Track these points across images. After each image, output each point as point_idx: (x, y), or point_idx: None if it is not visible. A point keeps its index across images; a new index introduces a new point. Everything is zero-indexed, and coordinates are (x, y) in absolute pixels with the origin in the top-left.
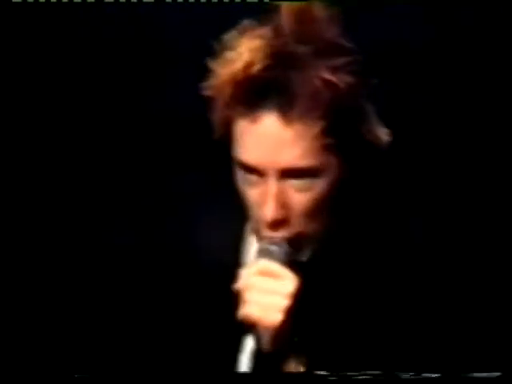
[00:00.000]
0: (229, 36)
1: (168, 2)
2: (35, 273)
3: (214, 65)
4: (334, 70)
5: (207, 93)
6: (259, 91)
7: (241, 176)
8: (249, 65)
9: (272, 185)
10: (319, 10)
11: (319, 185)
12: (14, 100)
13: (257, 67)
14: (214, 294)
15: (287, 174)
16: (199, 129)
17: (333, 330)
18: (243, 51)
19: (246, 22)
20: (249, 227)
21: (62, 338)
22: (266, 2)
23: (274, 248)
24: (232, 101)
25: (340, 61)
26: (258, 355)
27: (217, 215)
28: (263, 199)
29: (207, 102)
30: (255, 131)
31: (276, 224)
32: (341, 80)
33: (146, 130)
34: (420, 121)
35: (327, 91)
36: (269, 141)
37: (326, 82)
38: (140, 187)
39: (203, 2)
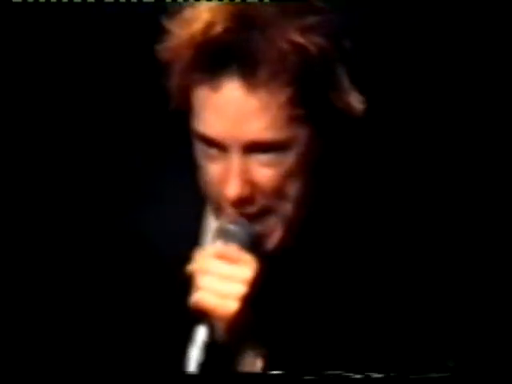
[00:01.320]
0: None
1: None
2: None
3: (170, 25)
4: (303, 30)
5: (162, 56)
6: (220, 56)
7: (200, 150)
8: (209, 26)
9: (235, 160)
10: None
11: (287, 159)
12: (14, 100)
13: (217, 29)
14: (166, 278)
15: (252, 147)
16: (154, 98)
17: (295, 323)
18: (203, 10)
19: None
20: (209, 206)
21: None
22: None
23: (234, 228)
24: (190, 66)
25: (309, 21)
26: (210, 348)
27: (174, 193)
28: (225, 175)
29: (162, 67)
30: (216, 100)
31: (240, 202)
32: (310, 42)
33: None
34: (398, 86)
35: (295, 54)
36: (231, 111)
37: (294, 44)
38: (89, 162)
39: None
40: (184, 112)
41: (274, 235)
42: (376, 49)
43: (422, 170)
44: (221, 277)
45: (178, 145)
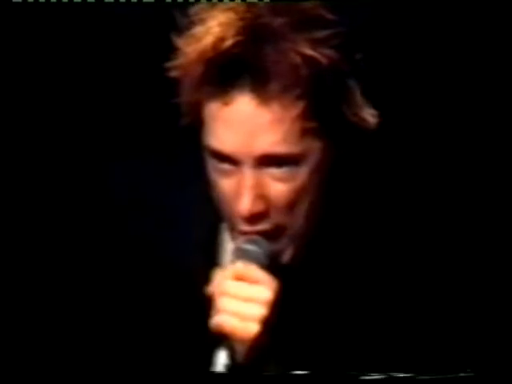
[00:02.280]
0: (196, 9)
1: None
2: None
3: (180, 42)
4: (314, 43)
5: (173, 74)
6: (231, 69)
7: (212, 165)
8: (219, 40)
9: (248, 174)
10: None
11: (300, 173)
12: (14, 100)
13: (228, 43)
14: (185, 299)
15: (265, 161)
16: (168, 115)
17: (315, 343)
18: (213, 26)
19: None
20: (224, 225)
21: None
22: None
23: (251, 247)
24: (201, 81)
25: (321, 34)
26: (231, 370)
27: (189, 210)
28: (238, 191)
29: (174, 85)
30: (227, 114)
31: (253, 218)
32: (322, 55)
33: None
34: (410, 100)
35: (306, 67)
36: (243, 125)
37: (305, 57)
38: (104, 177)
39: None
40: (196, 127)
41: (287, 252)
42: (388, 62)
43: (435, 186)
44: (241, 299)
45: (192, 159)
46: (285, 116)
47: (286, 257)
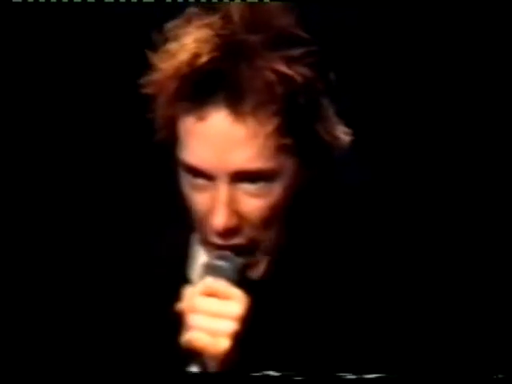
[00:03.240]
0: (171, 25)
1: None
2: None
3: (154, 58)
4: (289, 61)
5: (147, 90)
6: (206, 85)
7: (186, 180)
8: (194, 56)
9: (222, 190)
10: None
11: (274, 190)
12: (14, 100)
13: (203, 59)
14: (155, 314)
15: (239, 177)
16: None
17: (286, 357)
18: (188, 42)
19: (190, 10)
20: (195, 237)
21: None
22: None
23: (221, 263)
24: (176, 97)
25: (295, 51)
26: None
27: (158, 224)
28: (212, 206)
29: (147, 101)
30: (202, 130)
31: (227, 233)
32: (296, 72)
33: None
34: (384, 119)
35: (281, 85)
36: (218, 140)
37: (280, 75)
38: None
39: None
40: (169, 143)
41: (260, 266)
42: (361, 82)
43: (407, 205)
44: (211, 314)
45: (165, 173)
46: (259, 132)
47: (259, 271)
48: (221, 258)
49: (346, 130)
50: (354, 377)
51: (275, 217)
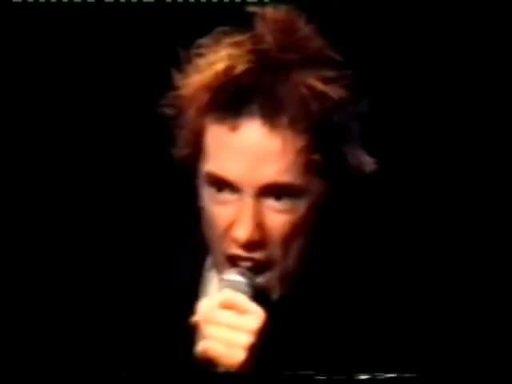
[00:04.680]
0: (198, 44)
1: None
2: None
3: (181, 76)
4: (325, 80)
5: (172, 105)
6: (241, 96)
7: (209, 194)
8: (230, 67)
9: (249, 202)
10: (301, 20)
11: (300, 207)
12: (14, 100)
13: (239, 69)
14: (169, 328)
15: (266, 191)
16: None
17: (301, 374)
18: (222, 55)
19: (218, 29)
20: (209, 261)
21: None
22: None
23: (238, 278)
24: (209, 107)
25: (330, 72)
26: None
27: (173, 248)
28: (237, 218)
29: (169, 118)
30: (234, 140)
31: (249, 246)
32: (331, 91)
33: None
34: (409, 151)
35: (316, 101)
36: (249, 152)
37: (316, 92)
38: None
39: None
40: (192, 159)
41: (274, 290)
42: (391, 111)
43: (428, 235)
44: (228, 326)
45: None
46: (291, 147)
47: (274, 293)
48: (237, 272)
49: (371, 159)
50: None
51: (298, 236)
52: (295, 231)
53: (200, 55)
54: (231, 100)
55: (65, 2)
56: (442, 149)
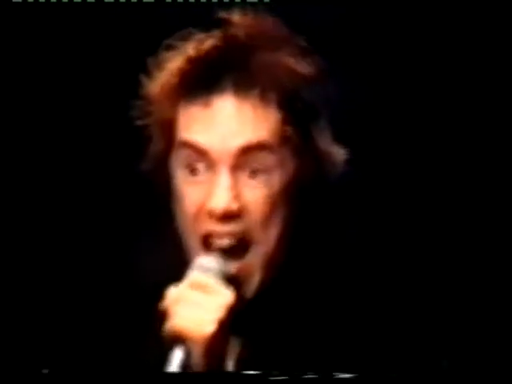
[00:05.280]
0: (167, 43)
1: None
2: None
3: (149, 78)
4: (295, 56)
5: (149, 92)
6: (212, 71)
7: (183, 178)
8: (200, 46)
9: (224, 174)
10: (271, 21)
11: (274, 182)
12: (14, 100)
13: (208, 45)
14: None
15: (241, 159)
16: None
17: (279, 354)
18: (191, 43)
19: (187, 30)
20: (185, 247)
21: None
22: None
23: (211, 263)
24: (179, 91)
25: (301, 51)
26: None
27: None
28: (213, 191)
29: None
30: (207, 115)
31: (226, 216)
32: (301, 67)
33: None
34: (379, 139)
35: (286, 75)
36: (223, 124)
37: (286, 66)
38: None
39: None
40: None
41: (254, 275)
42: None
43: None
44: (195, 304)
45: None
46: (263, 119)
47: (251, 286)
48: (209, 258)
49: (342, 149)
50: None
51: (275, 211)
52: (272, 207)
53: (169, 48)
54: (202, 78)
55: (65, 2)
56: (418, 140)
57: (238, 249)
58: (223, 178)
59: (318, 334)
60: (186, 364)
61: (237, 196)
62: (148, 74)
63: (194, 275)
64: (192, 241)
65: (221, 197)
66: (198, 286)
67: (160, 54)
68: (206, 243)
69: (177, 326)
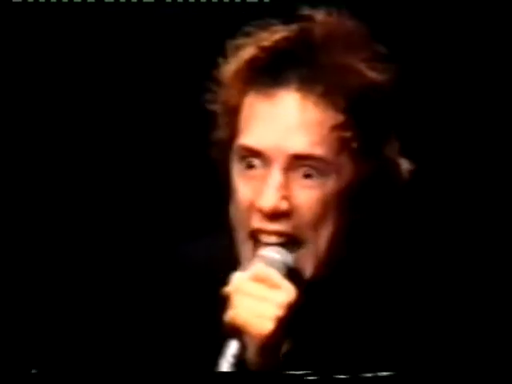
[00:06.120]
0: (246, 30)
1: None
2: None
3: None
4: (365, 61)
5: (221, 78)
6: (280, 62)
7: (239, 170)
8: (271, 37)
9: (276, 173)
10: (351, 22)
11: (328, 185)
12: (14, 100)
13: (279, 35)
14: (203, 297)
15: (296, 163)
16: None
17: (328, 354)
18: (266, 33)
19: (268, 20)
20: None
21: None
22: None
23: (274, 255)
24: (248, 81)
25: (373, 56)
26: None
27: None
28: (264, 189)
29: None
30: (269, 109)
31: (274, 215)
32: (370, 73)
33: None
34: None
35: (353, 77)
36: (282, 120)
37: (354, 68)
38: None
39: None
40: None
41: (306, 270)
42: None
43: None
44: (258, 298)
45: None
46: (325, 120)
47: (306, 274)
48: (272, 249)
49: (408, 162)
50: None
51: (327, 214)
52: (323, 209)
53: (246, 34)
54: (269, 68)
55: (65, 2)
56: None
57: (288, 247)
58: (274, 178)
59: (368, 336)
60: (239, 358)
61: (287, 196)
62: (225, 57)
63: (258, 267)
64: (242, 234)
65: (270, 196)
66: (263, 280)
67: (237, 39)
68: (255, 238)
69: (237, 317)
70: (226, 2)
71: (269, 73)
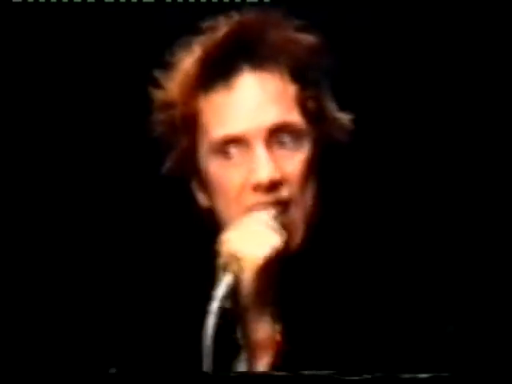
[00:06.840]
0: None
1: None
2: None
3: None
4: (297, 31)
5: (160, 102)
6: (229, 52)
7: (217, 164)
8: (213, 36)
9: (259, 148)
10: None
11: (305, 148)
12: (14, 100)
13: (221, 33)
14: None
15: (273, 135)
16: None
17: (314, 308)
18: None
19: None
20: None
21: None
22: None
23: (262, 214)
24: (199, 81)
25: (300, 26)
26: (227, 312)
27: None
28: (254, 166)
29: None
30: (232, 98)
31: (272, 186)
32: (306, 39)
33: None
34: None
35: (295, 48)
36: (249, 103)
37: (294, 40)
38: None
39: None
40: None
41: (297, 233)
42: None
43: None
44: (251, 233)
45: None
46: (285, 90)
47: (295, 239)
48: (263, 212)
49: (347, 115)
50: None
51: (309, 175)
52: (307, 171)
53: (182, 45)
54: (219, 63)
55: (65, 2)
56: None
57: (283, 208)
58: (261, 152)
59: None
60: (233, 290)
61: (276, 166)
62: (157, 84)
63: (246, 222)
64: (235, 214)
65: (264, 168)
66: (251, 232)
67: (172, 55)
68: (252, 211)
69: (233, 244)
70: (226, 2)
71: (219, 68)
